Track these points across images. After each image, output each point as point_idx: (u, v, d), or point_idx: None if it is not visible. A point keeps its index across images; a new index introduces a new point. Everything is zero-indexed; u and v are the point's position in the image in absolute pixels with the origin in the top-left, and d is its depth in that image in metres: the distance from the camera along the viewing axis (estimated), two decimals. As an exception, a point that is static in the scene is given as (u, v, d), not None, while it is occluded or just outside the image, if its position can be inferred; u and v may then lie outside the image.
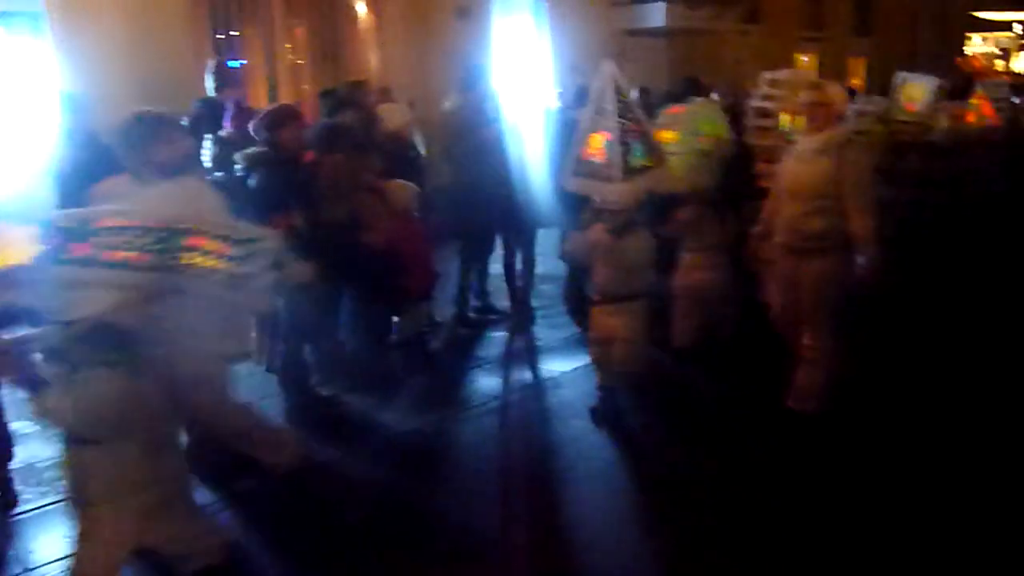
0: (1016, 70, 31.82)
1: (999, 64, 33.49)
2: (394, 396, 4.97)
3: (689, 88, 8.04)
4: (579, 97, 7.72)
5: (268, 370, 5.11)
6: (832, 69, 18.55)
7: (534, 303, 6.39)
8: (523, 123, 6.15)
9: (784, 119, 5.81)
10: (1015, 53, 34.95)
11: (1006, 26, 33.53)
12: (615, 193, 4.20)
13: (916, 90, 8.06)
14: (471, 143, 5.76)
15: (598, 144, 4.32)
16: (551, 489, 3.96)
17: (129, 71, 7.41)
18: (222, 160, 4.94)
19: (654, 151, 4.45)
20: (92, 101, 5.47)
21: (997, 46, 34.77)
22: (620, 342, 4.34)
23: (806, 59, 18.80)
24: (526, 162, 5.93)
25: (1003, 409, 4.52)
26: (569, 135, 6.33)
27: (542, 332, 6.09)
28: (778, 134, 5.74)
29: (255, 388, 4.97)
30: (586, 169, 4.39)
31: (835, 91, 4.43)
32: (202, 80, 6.27)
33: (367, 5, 10.71)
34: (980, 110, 9.56)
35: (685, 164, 5.11)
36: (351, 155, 4.97)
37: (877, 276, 4.07)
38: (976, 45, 32.42)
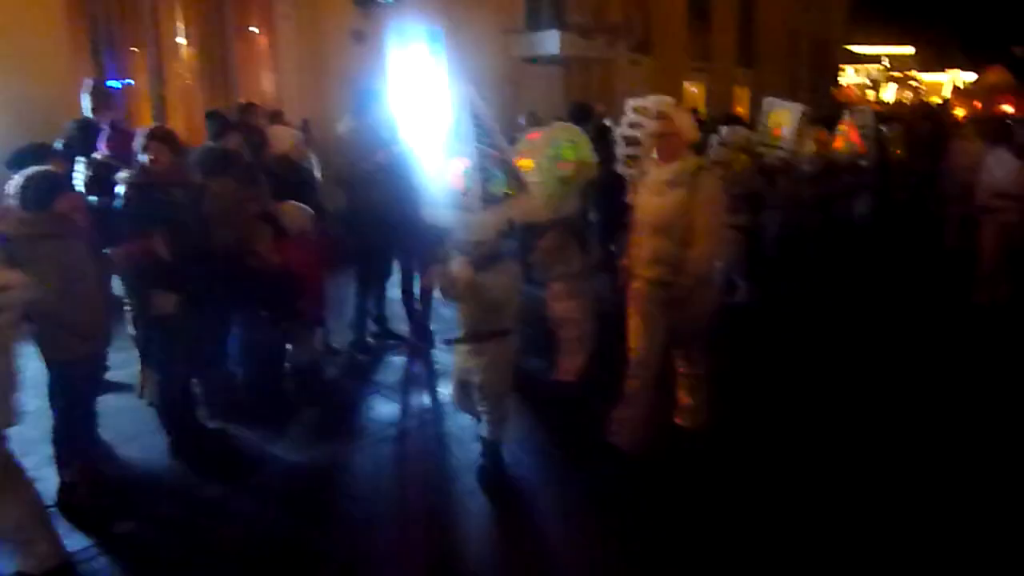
0: (885, 100, 34.18)
1: (870, 94, 35.88)
2: (287, 426, 4.80)
3: (578, 114, 8.24)
4: (575, 110, 7.94)
5: (150, 404, 4.87)
6: (719, 97, 19.40)
7: (432, 327, 6.33)
8: (419, 147, 6.12)
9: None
10: (884, 84, 37.56)
11: (876, 59, 36.01)
12: (475, 224, 3.89)
13: (782, 116, 8.23)
14: (365, 167, 5.69)
15: (457, 172, 3.98)
16: (451, 516, 3.90)
17: (2, 94, 7.00)
18: (96, 183, 4.69)
19: (515, 178, 4.08)
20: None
21: (868, 77, 37.28)
22: (479, 385, 4.05)
23: (695, 88, 19.61)
24: (422, 186, 5.89)
25: (874, 412, 4.79)
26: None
27: (441, 356, 6.03)
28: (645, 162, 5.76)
29: (137, 423, 4.73)
30: (447, 199, 4.07)
31: (683, 120, 4.24)
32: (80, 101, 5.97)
33: (260, 26, 10.47)
34: (848, 136, 9.98)
35: (545, 191, 4.86)
36: (239, 181, 4.83)
37: (718, 304, 4.25)
38: (849, 76, 34.64)
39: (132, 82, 9.28)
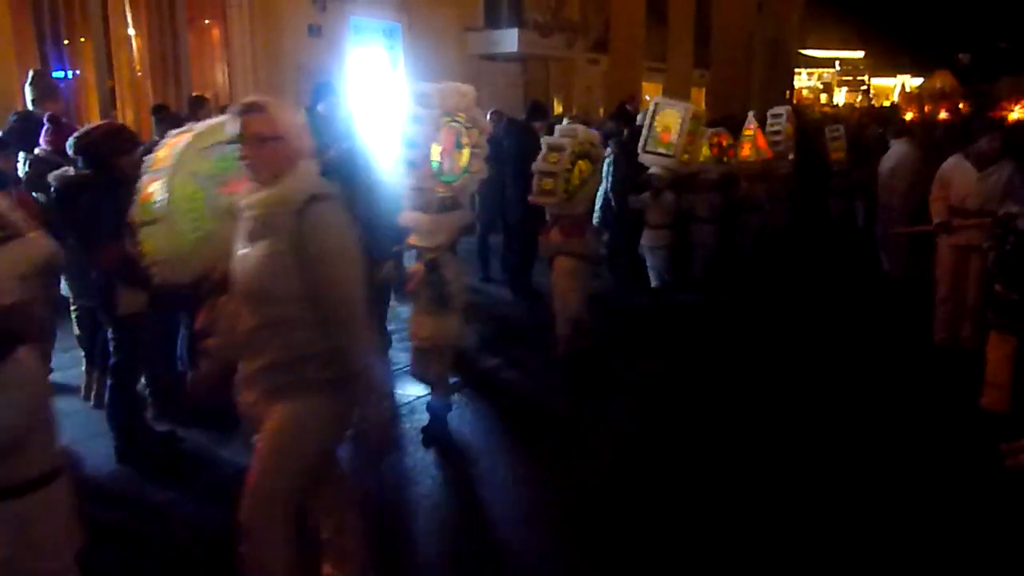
0: (837, 103, 34.93)
1: (823, 97, 36.64)
2: (237, 428, 4.68)
3: (535, 112, 8.25)
4: (531, 110, 7.93)
5: (96, 406, 4.72)
6: (676, 97, 19.58)
7: (390, 326, 6.26)
8: (374, 144, 6.04)
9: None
10: (836, 88, 38.38)
11: (829, 63, 36.80)
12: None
13: (670, 118, 7.31)
14: (321, 162, 5.59)
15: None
16: (407, 519, 3.85)
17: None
18: (36, 179, 4.54)
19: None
20: None
21: (820, 81, 38.05)
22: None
23: (651, 88, 19.77)
24: (379, 183, 5.83)
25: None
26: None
27: (398, 356, 5.96)
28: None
29: (82, 427, 4.58)
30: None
31: (284, 118, 2.54)
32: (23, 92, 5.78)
33: (213, 18, 10.27)
34: (755, 141, 8.98)
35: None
36: None
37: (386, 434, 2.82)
38: (803, 80, 35.33)
39: (78, 72, 9.02)
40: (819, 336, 6.70)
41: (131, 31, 9.46)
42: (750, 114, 9.26)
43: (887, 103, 32.66)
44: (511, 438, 4.83)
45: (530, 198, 5.61)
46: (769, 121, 9.52)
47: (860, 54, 37.08)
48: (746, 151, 8.87)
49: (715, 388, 5.48)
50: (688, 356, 6.22)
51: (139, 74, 9.64)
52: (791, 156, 9.68)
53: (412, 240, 4.51)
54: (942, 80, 26.90)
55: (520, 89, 14.53)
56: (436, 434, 4.61)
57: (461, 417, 4.98)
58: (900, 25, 35.41)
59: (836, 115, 20.95)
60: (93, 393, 4.89)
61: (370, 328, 2.65)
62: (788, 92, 28.14)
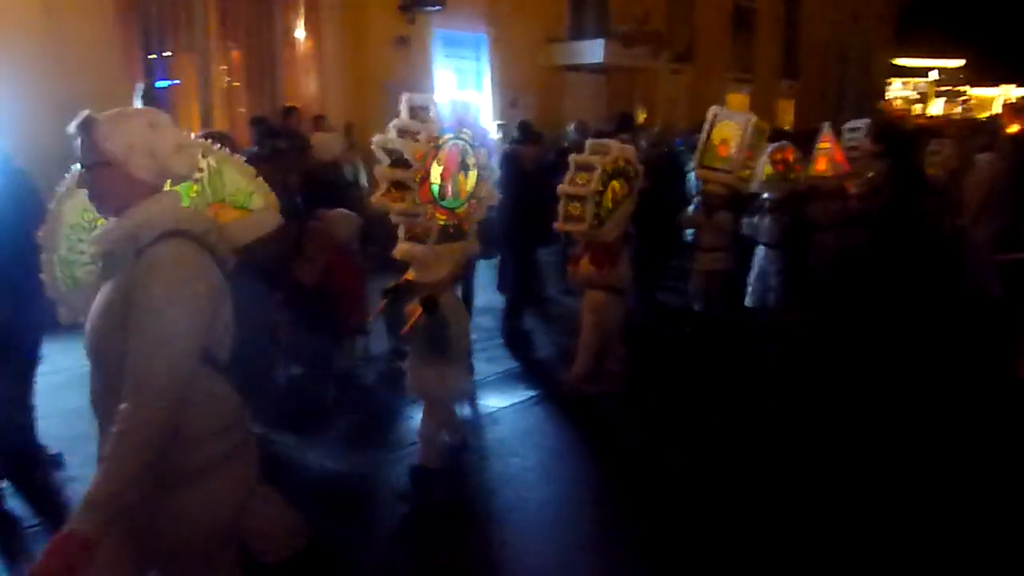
0: (931, 114, 33.55)
1: (916, 108, 35.27)
2: (326, 433, 4.81)
3: (623, 122, 8.18)
4: (522, 131, 7.79)
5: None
6: (762, 109, 19.18)
7: (472, 336, 6.30)
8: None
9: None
10: (931, 98, 36.88)
11: (923, 72, 35.38)
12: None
13: (729, 130, 6.68)
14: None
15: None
16: (489, 531, 3.86)
17: (51, 93, 7.11)
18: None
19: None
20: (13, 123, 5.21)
21: (915, 91, 36.63)
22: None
23: (736, 99, 19.40)
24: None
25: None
26: (509, 169, 6.41)
27: (480, 366, 5.99)
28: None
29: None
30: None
31: (114, 133, 2.01)
32: (132, 103, 6.07)
33: (306, 30, 10.59)
34: (831, 155, 8.10)
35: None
36: (271, 164, 4.84)
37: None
38: (896, 90, 34.06)
39: (178, 82, 9.43)
40: (892, 370, 6.02)
41: (230, 44, 9.84)
42: (825, 126, 8.35)
43: (986, 115, 31.20)
44: (592, 455, 4.77)
45: (556, 225, 5.02)
46: (846, 135, 8.84)
47: (960, 63, 35.51)
48: (821, 166, 8.07)
49: (778, 420, 5.29)
50: (745, 385, 5.98)
51: (235, 85, 10.03)
52: (870, 173, 8.81)
53: (409, 275, 3.96)
54: (1048, 91, 25.53)
55: (603, 100, 14.47)
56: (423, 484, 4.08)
57: (540, 432, 4.97)
58: (1003, 33, 33.77)
59: (931, 127, 20.12)
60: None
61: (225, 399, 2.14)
62: (881, 102, 27.21)
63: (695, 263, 7.02)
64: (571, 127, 9.34)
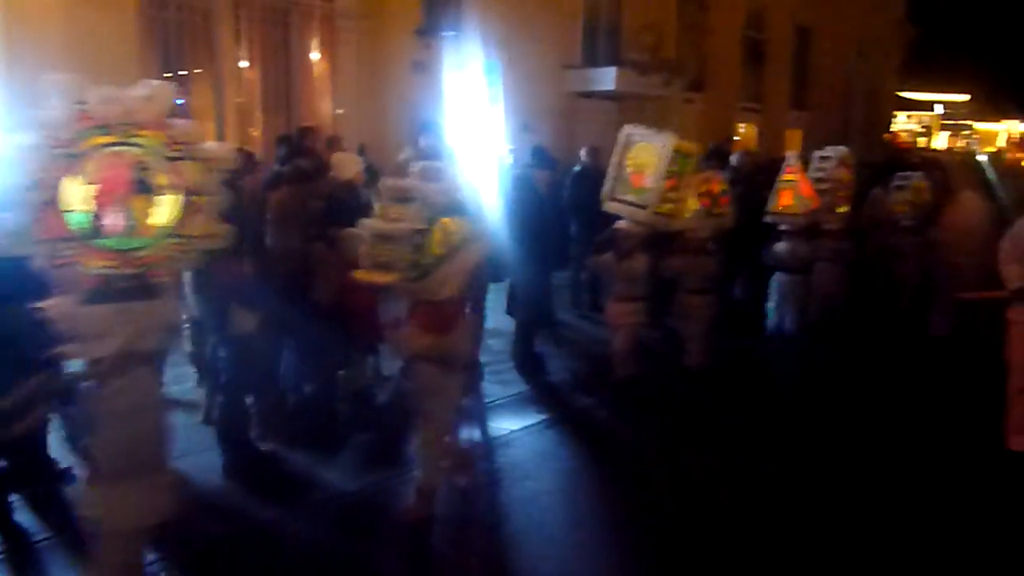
0: (936, 147, 33.72)
1: (922, 141, 35.44)
2: (338, 452, 4.78)
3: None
4: (535, 155, 7.84)
5: (205, 422, 4.89)
6: (771, 139, 19.29)
7: (483, 359, 6.29)
8: (476, 178, 6.14)
9: None
10: (936, 131, 37.09)
11: (929, 106, 35.62)
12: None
13: (646, 154, 5.60)
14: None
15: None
16: (504, 556, 3.82)
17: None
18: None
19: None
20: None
21: (920, 124, 36.84)
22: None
23: (744, 128, 19.51)
24: (479, 216, 5.90)
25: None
26: (521, 192, 6.44)
27: (491, 389, 5.98)
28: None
29: (191, 441, 4.74)
30: None
31: None
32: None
33: (321, 52, 10.69)
34: (798, 188, 7.18)
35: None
36: (295, 187, 4.89)
37: None
38: (902, 123, 34.27)
39: (182, 101, 9.50)
40: (860, 443, 5.14)
41: (244, 63, 9.93)
42: (791, 155, 7.51)
43: (990, 149, 31.32)
44: (606, 476, 4.74)
45: (355, 273, 3.70)
46: (816, 164, 7.78)
47: (965, 97, 35.72)
48: (786, 200, 7.16)
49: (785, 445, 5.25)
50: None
51: (250, 104, 10.10)
52: (844, 208, 7.80)
53: (66, 349, 2.82)
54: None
55: (615, 127, 14.47)
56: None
57: (553, 454, 4.94)
58: (1009, 68, 34.01)
59: (936, 160, 20.14)
60: (202, 409, 5.06)
61: None
62: (887, 135, 27.34)
63: (609, 315, 6.04)
64: (583, 152, 9.38)
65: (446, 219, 3.61)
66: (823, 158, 7.87)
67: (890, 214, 8.27)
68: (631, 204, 5.61)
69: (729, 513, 4.16)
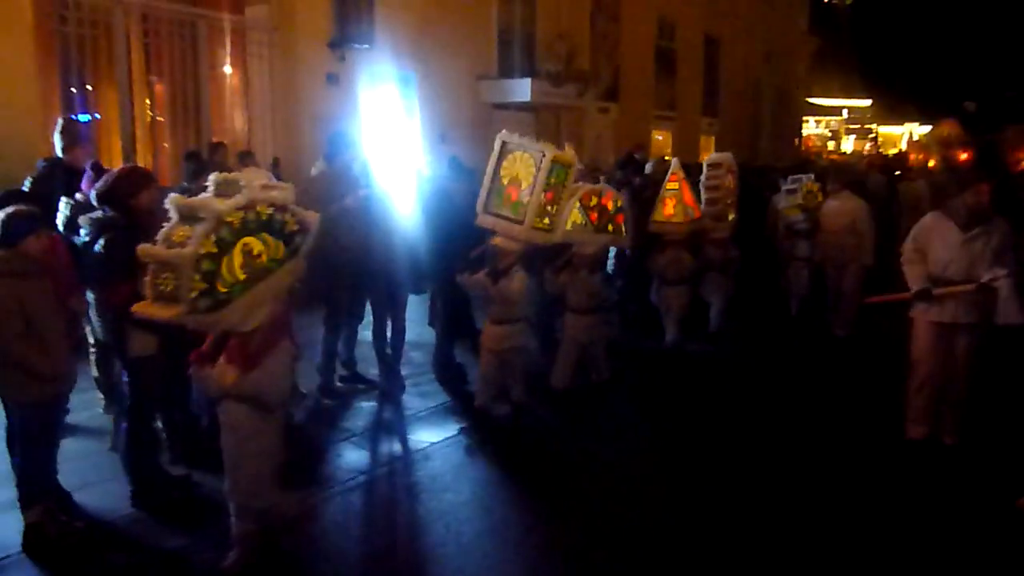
0: (845, 151, 35.18)
1: (830, 145, 36.90)
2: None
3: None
4: (451, 166, 7.88)
5: (112, 449, 4.74)
6: (685, 146, 19.83)
7: (404, 371, 6.28)
8: (392, 190, 6.15)
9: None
10: (844, 136, 38.68)
11: (836, 111, 37.11)
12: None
13: (521, 165, 5.26)
14: (336, 209, 5.68)
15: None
16: (424, 569, 3.83)
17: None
18: (75, 224, 4.63)
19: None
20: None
21: (828, 128, 38.35)
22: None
23: (660, 136, 20.00)
24: (396, 229, 5.91)
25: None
26: (439, 203, 6.47)
27: (411, 401, 5.98)
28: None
29: (98, 469, 4.60)
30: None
31: None
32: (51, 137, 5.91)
33: (233, 64, 10.50)
34: (680, 196, 7.06)
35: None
36: None
37: None
38: (810, 128, 35.62)
39: (98, 116, 9.21)
40: (763, 441, 5.27)
41: (153, 77, 9.67)
42: (674, 162, 7.37)
43: (894, 151, 32.85)
44: (523, 487, 4.78)
45: (135, 308, 3.20)
46: (706, 172, 7.55)
47: (867, 102, 37.39)
48: (669, 209, 7.07)
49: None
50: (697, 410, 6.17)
51: (159, 119, 9.84)
52: (731, 216, 7.70)
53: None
54: (949, 127, 27.13)
55: (531, 137, 14.73)
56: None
57: (472, 466, 4.98)
58: (907, 74, 35.81)
59: (845, 163, 21.00)
60: (111, 435, 4.90)
61: None
62: (797, 140, 28.41)
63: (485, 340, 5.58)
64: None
65: (249, 239, 3.18)
66: (713, 165, 7.65)
67: (783, 218, 8.52)
68: (506, 219, 5.30)
69: (637, 520, 4.26)
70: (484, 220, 5.42)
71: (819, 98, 33.49)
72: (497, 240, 5.33)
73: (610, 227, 5.93)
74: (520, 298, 5.38)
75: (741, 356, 7.43)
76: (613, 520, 4.19)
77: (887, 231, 9.43)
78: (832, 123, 38.26)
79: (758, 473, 4.81)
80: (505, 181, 5.31)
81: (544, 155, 5.18)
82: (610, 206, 5.89)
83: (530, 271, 5.61)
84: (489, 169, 5.40)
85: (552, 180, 5.24)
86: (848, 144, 37.91)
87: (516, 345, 5.52)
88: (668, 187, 7.11)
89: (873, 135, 39.36)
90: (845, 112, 37.86)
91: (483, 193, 5.43)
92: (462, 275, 5.45)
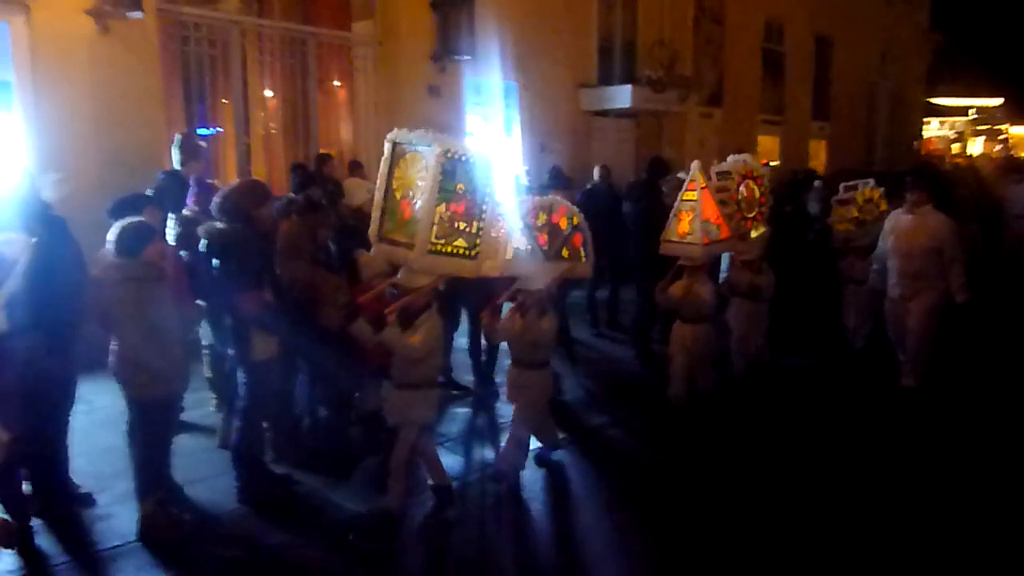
0: (971, 154, 33.12)
1: (955, 148, 34.86)
2: (351, 475, 4.86)
3: (655, 167, 8.20)
4: (552, 176, 7.94)
5: (221, 446, 4.99)
6: (794, 151, 19.18)
7: (497, 379, 6.34)
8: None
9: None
10: (971, 138, 36.45)
11: (962, 111, 35.03)
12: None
13: (414, 170, 3.98)
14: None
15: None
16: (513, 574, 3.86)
17: (98, 143, 7.41)
18: (186, 239, 4.92)
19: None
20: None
21: (953, 130, 36.22)
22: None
23: (767, 142, 19.40)
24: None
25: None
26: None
27: (505, 409, 6.02)
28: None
29: (207, 465, 4.85)
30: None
31: None
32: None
33: (341, 79, 10.89)
34: (700, 211, 5.52)
35: None
36: (303, 217, 5.02)
37: None
38: (933, 129, 33.74)
39: (219, 130, 9.74)
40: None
41: (268, 92, 10.15)
42: (693, 166, 5.79)
43: (1025, 153, 30.74)
44: (614, 497, 4.75)
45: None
46: (715, 182, 6.05)
47: (998, 101, 35.10)
48: (683, 227, 5.63)
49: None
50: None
51: (272, 132, 10.32)
52: (758, 232, 6.29)
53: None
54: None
55: (632, 144, 14.58)
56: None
57: (565, 474, 4.97)
58: (1041, 71, 33.42)
59: (971, 165, 19.78)
60: (220, 433, 5.17)
61: None
62: (916, 143, 26.96)
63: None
64: (595, 170, 9.49)
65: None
66: (721, 174, 6.21)
67: (836, 233, 7.35)
68: (398, 244, 3.97)
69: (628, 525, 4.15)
70: (378, 249, 4.17)
71: (943, 97, 31.73)
72: (399, 277, 4.08)
73: (565, 252, 4.78)
74: (550, 341, 4.78)
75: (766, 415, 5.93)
76: (703, 538, 4.10)
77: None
78: (957, 124, 36.17)
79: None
80: (398, 195, 4.00)
81: (438, 153, 3.80)
82: (563, 225, 4.76)
83: (442, 313, 4.46)
84: (380, 182, 4.11)
85: (459, 187, 3.86)
86: (976, 146, 35.72)
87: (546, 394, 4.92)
88: (685, 198, 5.67)
89: (1003, 136, 36.95)
90: (972, 112, 35.74)
91: (375, 214, 4.12)
92: (490, 323, 4.82)
